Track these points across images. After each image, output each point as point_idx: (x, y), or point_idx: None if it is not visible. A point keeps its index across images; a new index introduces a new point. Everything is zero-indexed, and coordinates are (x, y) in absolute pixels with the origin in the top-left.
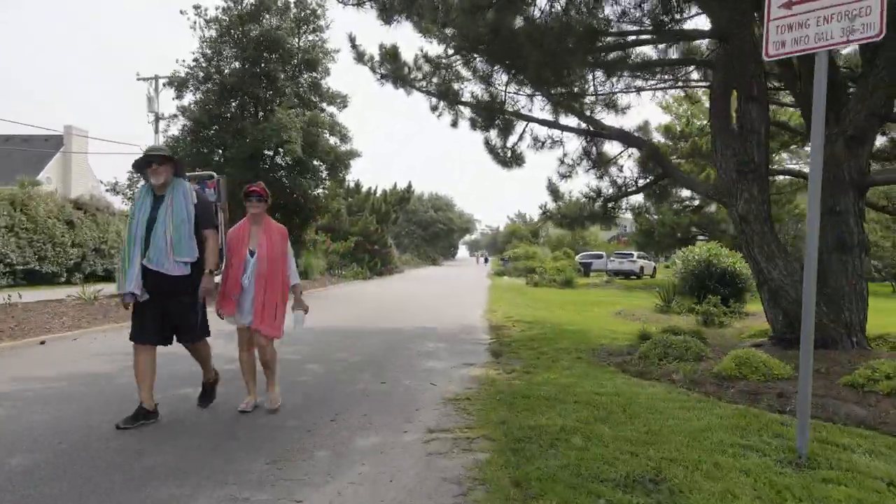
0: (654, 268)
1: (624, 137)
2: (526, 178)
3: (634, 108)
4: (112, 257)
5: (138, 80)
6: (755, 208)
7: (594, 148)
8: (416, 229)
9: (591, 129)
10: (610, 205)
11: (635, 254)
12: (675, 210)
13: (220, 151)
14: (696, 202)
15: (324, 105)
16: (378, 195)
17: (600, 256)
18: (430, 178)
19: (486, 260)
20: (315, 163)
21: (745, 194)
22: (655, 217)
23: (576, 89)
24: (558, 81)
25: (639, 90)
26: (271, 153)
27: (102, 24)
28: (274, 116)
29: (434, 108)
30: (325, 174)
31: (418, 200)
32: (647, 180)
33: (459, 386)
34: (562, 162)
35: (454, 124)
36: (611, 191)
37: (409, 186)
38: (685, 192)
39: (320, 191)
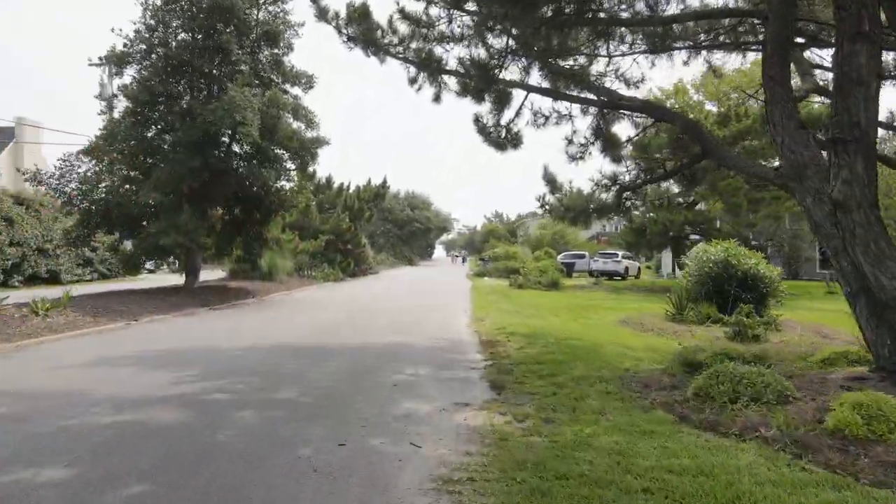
0: (639, 268)
1: (650, 110)
2: (527, 161)
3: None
4: (58, 257)
5: (90, 65)
6: (858, 192)
7: (607, 126)
8: (392, 228)
9: (607, 99)
10: (626, 194)
11: (620, 253)
12: (666, 207)
13: (167, 137)
14: (691, 198)
15: (286, 86)
16: (351, 191)
17: (583, 256)
18: (408, 159)
19: (463, 260)
20: (276, 151)
21: (844, 172)
22: (648, 215)
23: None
24: (578, 23)
25: (670, 47)
26: (227, 140)
27: (58, 9)
28: (226, 95)
29: (413, 81)
30: (289, 164)
31: (394, 199)
32: (678, 163)
33: (454, 448)
34: (570, 142)
35: (437, 98)
36: (628, 177)
37: (385, 182)
38: (674, 188)
39: (285, 183)
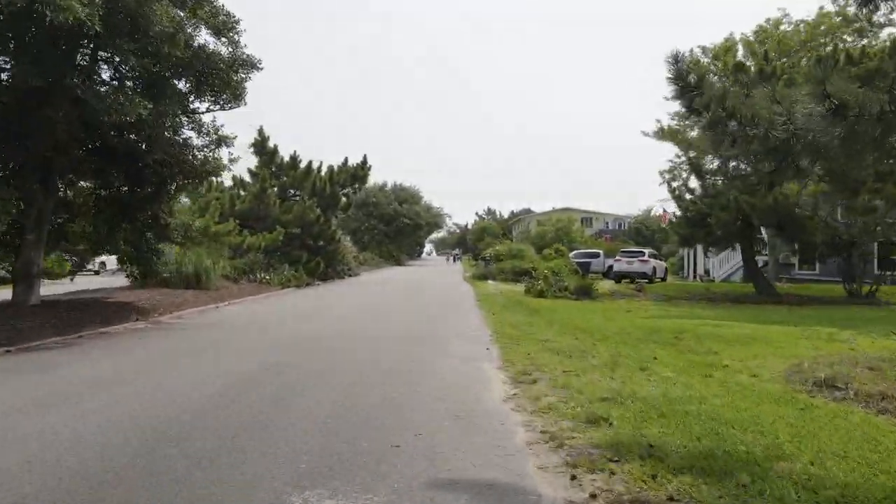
0: (666, 270)
1: None
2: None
3: None
4: None
5: None
6: None
7: None
8: (378, 224)
9: None
10: None
11: (646, 252)
12: (740, 189)
13: None
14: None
15: None
16: (322, 173)
17: (597, 255)
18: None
19: (453, 259)
20: (152, 65)
21: None
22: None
23: None
24: None
25: None
26: (89, 53)
27: None
28: None
29: None
30: (195, 99)
31: (380, 191)
32: None
33: None
34: None
35: None
36: None
37: (365, 162)
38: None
39: (192, 136)
